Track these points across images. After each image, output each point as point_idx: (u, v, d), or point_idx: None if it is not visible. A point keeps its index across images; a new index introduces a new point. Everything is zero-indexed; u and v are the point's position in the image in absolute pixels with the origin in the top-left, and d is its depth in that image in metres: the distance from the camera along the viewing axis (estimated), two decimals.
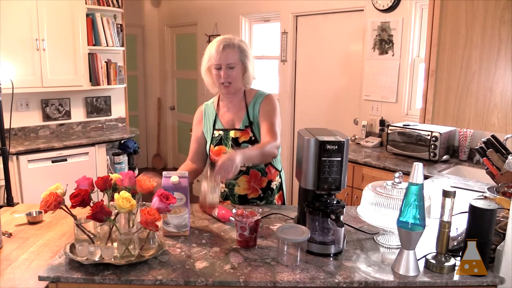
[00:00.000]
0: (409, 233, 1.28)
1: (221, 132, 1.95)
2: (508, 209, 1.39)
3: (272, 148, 1.79)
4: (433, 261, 1.34)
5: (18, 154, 3.37)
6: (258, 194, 1.96)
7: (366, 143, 3.44)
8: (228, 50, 1.82)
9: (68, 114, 4.20)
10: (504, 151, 2.03)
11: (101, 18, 4.02)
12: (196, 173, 2.03)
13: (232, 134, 1.92)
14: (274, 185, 1.99)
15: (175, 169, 7.09)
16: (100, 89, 4.27)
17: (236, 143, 1.91)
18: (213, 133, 1.97)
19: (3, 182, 2.35)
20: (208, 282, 1.27)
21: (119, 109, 4.57)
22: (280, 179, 2.03)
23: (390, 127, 3.17)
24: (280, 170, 2.03)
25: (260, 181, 1.95)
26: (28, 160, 3.42)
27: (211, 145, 1.97)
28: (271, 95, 1.97)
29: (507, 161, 1.79)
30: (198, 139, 2.04)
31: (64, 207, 1.40)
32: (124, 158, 4.06)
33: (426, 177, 2.53)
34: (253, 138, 1.90)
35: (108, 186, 1.44)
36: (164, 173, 1.58)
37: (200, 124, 2.04)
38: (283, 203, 2.06)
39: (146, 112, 6.38)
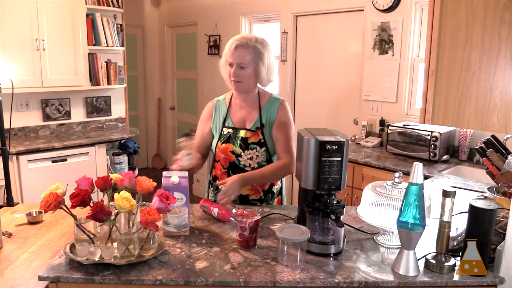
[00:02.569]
0: (409, 233, 1.28)
1: (230, 130, 1.94)
2: (508, 209, 1.39)
3: (283, 174, 1.90)
4: (433, 261, 1.34)
5: (18, 154, 3.37)
6: (259, 196, 1.96)
7: (366, 143, 3.44)
8: (240, 50, 1.83)
9: (68, 114, 4.20)
10: (504, 151, 2.03)
11: (101, 18, 4.02)
12: (193, 169, 1.98)
13: (242, 133, 1.91)
14: (275, 189, 2.00)
15: None
16: (100, 89, 4.26)
17: (245, 143, 1.91)
18: (222, 130, 1.96)
19: (3, 182, 2.35)
20: (208, 282, 1.27)
21: (119, 109, 4.57)
22: (280, 184, 2.04)
23: (390, 127, 3.17)
24: None
25: (263, 183, 1.95)
26: (28, 160, 3.42)
27: (219, 141, 1.96)
28: (285, 101, 1.98)
29: (507, 161, 1.79)
30: (204, 136, 2.02)
31: (64, 207, 1.40)
32: (124, 158, 4.06)
33: (426, 177, 2.53)
34: (262, 140, 1.90)
35: (108, 186, 1.44)
36: (164, 173, 1.58)
37: (210, 120, 2.01)
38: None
39: (146, 112, 6.38)
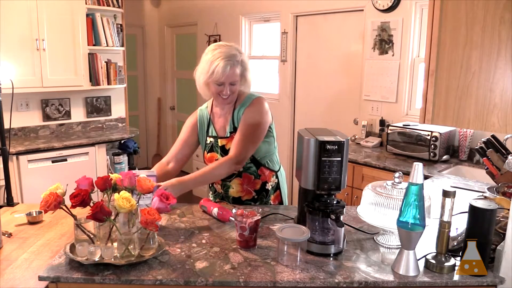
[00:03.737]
0: (409, 233, 1.28)
1: (212, 139, 1.96)
2: (508, 209, 1.39)
3: (223, 170, 1.79)
4: (433, 261, 1.34)
5: (18, 154, 3.37)
6: (252, 196, 1.96)
7: (366, 143, 3.44)
8: (232, 69, 1.79)
9: (68, 114, 4.20)
10: (504, 151, 2.03)
11: (101, 18, 4.02)
12: (168, 176, 1.85)
13: (219, 142, 1.93)
14: (269, 186, 1.99)
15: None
16: (100, 89, 4.26)
17: (224, 151, 1.92)
18: (206, 140, 1.98)
19: (3, 182, 2.35)
20: (208, 282, 1.27)
21: (119, 109, 4.57)
22: (276, 179, 2.02)
23: (390, 127, 3.17)
24: (276, 170, 2.02)
25: (253, 184, 1.95)
26: (28, 160, 3.42)
27: (205, 151, 1.98)
28: (259, 99, 1.92)
29: (507, 161, 1.79)
30: (187, 141, 2.00)
31: (64, 207, 1.40)
32: (124, 158, 4.06)
33: (426, 177, 2.53)
34: None
35: (108, 186, 1.44)
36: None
37: (194, 129, 2.01)
38: (280, 202, 2.05)
39: (146, 112, 6.38)
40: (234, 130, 1.90)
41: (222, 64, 1.77)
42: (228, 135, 1.91)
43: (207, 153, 1.96)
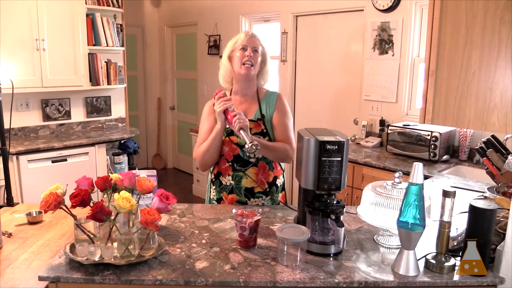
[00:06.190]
0: (409, 233, 1.28)
1: None
2: (508, 209, 1.39)
3: (287, 151, 1.91)
4: (433, 261, 1.34)
5: (18, 154, 3.36)
6: (264, 188, 1.97)
7: (366, 143, 3.44)
8: (254, 38, 1.96)
9: (68, 114, 4.20)
10: (504, 151, 2.03)
11: (101, 18, 4.02)
12: (214, 163, 2.00)
13: None
14: (278, 182, 2.02)
15: (176, 169, 6.98)
16: (100, 89, 4.26)
17: None
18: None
19: (3, 182, 2.35)
20: (208, 282, 1.27)
21: (119, 109, 4.57)
22: (283, 179, 2.06)
23: (390, 127, 3.17)
24: (283, 170, 2.06)
25: (267, 175, 1.97)
26: (28, 160, 3.42)
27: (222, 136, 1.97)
28: (282, 94, 2.06)
29: (507, 161, 1.79)
30: (212, 128, 1.99)
31: (64, 207, 1.40)
32: (124, 158, 4.05)
33: (426, 177, 2.53)
34: (264, 130, 1.94)
35: (108, 186, 1.44)
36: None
37: (212, 114, 2.00)
38: (286, 203, 2.07)
39: (146, 112, 6.38)
40: (261, 117, 1.96)
41: (245, 32, 1.99)
42: (256, 120, 1.96)
43: (225, 137, 1.95)
